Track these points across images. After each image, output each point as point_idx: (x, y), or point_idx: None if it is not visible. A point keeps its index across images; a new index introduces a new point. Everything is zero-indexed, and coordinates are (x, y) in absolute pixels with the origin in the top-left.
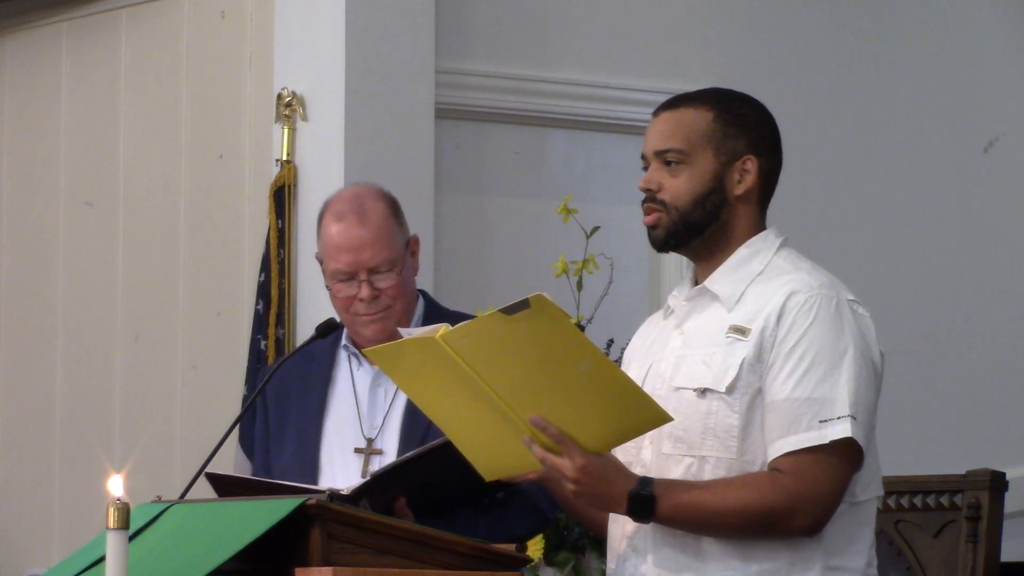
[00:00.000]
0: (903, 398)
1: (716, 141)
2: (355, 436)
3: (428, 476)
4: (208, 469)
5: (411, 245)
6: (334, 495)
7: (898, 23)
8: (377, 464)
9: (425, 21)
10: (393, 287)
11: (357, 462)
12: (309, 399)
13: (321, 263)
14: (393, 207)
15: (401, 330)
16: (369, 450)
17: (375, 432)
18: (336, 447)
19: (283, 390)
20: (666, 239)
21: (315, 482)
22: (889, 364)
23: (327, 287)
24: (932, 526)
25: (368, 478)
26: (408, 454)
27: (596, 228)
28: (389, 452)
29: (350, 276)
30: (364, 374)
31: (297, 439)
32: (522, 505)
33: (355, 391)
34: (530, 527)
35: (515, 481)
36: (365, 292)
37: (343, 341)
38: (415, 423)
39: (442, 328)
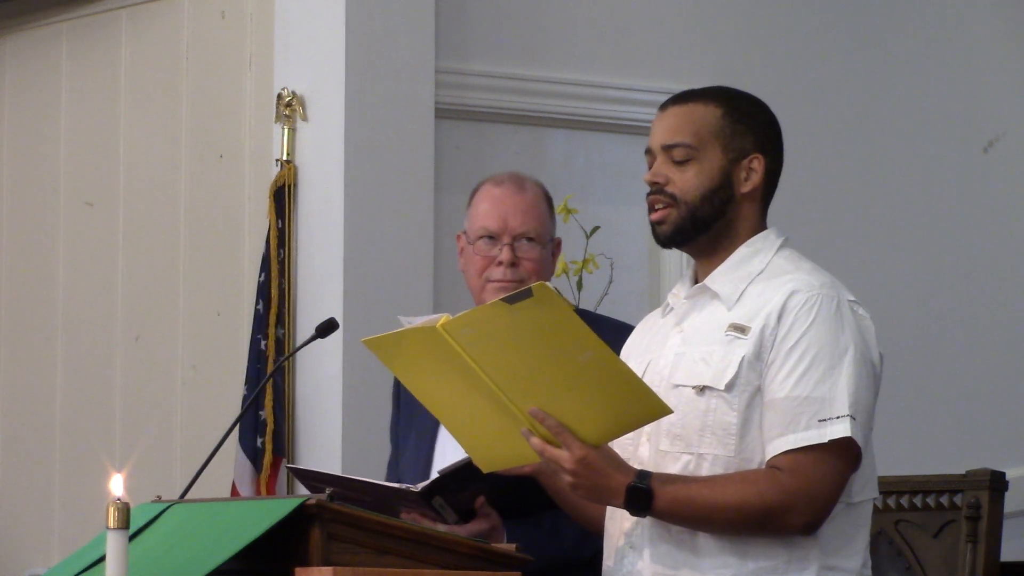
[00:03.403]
0: (903, 398)
1: (725, 137)
2: None
3: (510, 476)
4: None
5: (554, 244)
6: (403, 492)
7: (898, 23)
8: None
9: (425, 21)
10: (533, 261)
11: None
12: None
13: (465, 235)
14: (548, 197)
15: (401, 318)
16: None
17: None
18: (449, 443)
19: None
20: (672, 235)
21: (427, 477)
22: (888, 364)
23: (462, 268)
24: (932, 526)
25: (437, 475)
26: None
27: (596, 228)
28: None
29: (495, 237)
30: None
31: (417, 434)
32: None
33: None
34: None
35: (511, 474)
36: (506, 255)
37: None
38: None
39: (443, 318)
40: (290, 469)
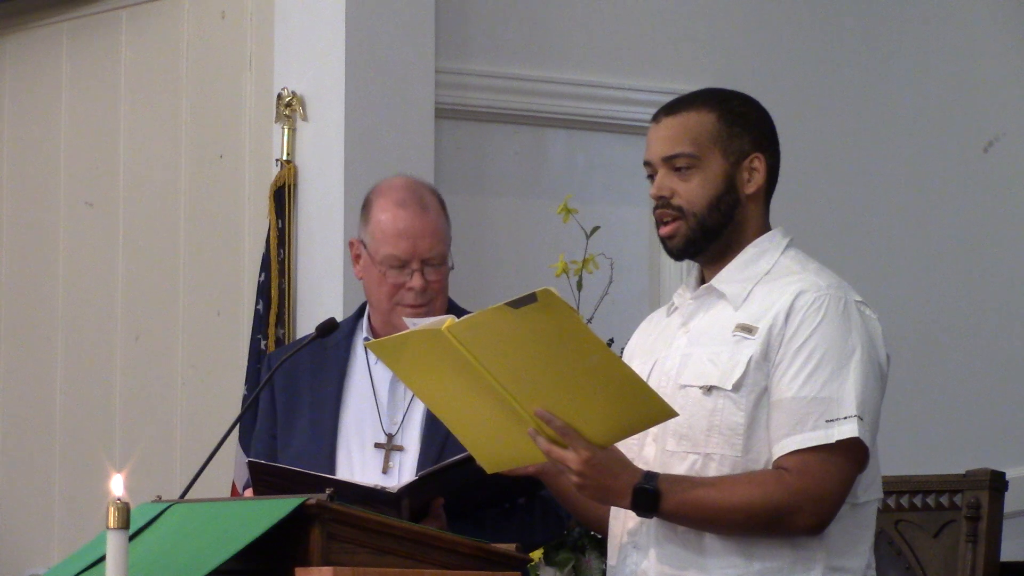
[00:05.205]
0: (903, 398)
1: (723, 142)
2: (374, 431)
3: (466, 478)
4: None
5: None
6: (376, 492)
7: (898, 23)
8: (398, 460)
9: (425, 21)
10: (439, 281)
11: (377, 458)
12: (323, 391)
13: (363, 246)
14: (443, 203)
15: (407, 320)
16: (390, 446)
17: (395, 428)
18: (354, 441)
19: (293, 381)
20: (684, 247)
21: (332, 472)
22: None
23: (360, 275)
24: (932, 526)
25: (417, 477)
26: (462, 455)
27: (596, 228)
28: (410, 448)
29: (403, 264)
30: (383, 368)
31: (310, 432)
32: (545, 510)
33: (373, 385)
34: (552, 532)
35: (515, 474)
36: (417, 282)
37: (363, 334)
38: (437, 419)
39: (448, 320)
40: (250, 463)
